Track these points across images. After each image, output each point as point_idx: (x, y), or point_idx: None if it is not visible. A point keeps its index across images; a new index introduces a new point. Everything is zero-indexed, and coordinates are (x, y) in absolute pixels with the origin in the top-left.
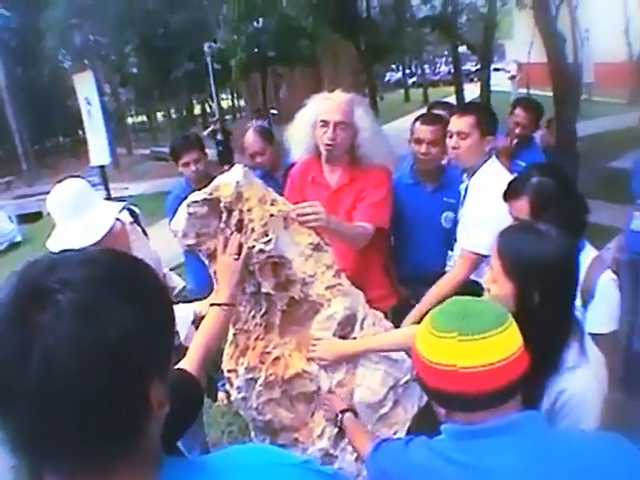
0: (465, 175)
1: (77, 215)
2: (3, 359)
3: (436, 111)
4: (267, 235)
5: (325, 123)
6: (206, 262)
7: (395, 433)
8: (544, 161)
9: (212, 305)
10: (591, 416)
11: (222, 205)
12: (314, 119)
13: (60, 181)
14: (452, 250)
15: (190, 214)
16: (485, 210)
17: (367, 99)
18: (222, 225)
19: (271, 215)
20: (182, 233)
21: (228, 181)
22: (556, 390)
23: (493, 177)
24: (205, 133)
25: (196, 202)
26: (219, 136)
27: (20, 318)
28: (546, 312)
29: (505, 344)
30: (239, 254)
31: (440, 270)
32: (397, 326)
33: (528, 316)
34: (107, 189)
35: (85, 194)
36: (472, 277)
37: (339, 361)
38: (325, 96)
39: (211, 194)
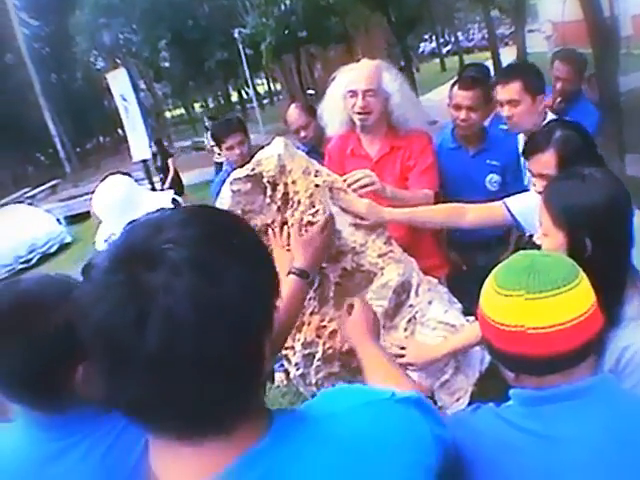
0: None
1: (124, 214)
2: (121, 326)
3: (471, 73)
4: (314, 206)
5: (354, 93)
6: None
7: (458, 400)
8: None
9: (289, 274)
10: None
11: (265, 180)
12: (343, 91)
13: (104, 179)
14: None
15: (234, 192)
16: None
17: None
18: (267, 200)
19: (316, 185)
20: None
21: (270, 155)
22: (619, 346)
23: None
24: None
25: (239, 179)
26: (159, 162)
27: (133, 282)
28: (600, 260)
29: (577, 302)
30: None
31: (488, 234)
32: (453, 294)
33: (582, 266)
34: (151, 183)
35: (130, 191)
36: None
37: (428, 365)
38: (351, 67)
39: (253, 169)
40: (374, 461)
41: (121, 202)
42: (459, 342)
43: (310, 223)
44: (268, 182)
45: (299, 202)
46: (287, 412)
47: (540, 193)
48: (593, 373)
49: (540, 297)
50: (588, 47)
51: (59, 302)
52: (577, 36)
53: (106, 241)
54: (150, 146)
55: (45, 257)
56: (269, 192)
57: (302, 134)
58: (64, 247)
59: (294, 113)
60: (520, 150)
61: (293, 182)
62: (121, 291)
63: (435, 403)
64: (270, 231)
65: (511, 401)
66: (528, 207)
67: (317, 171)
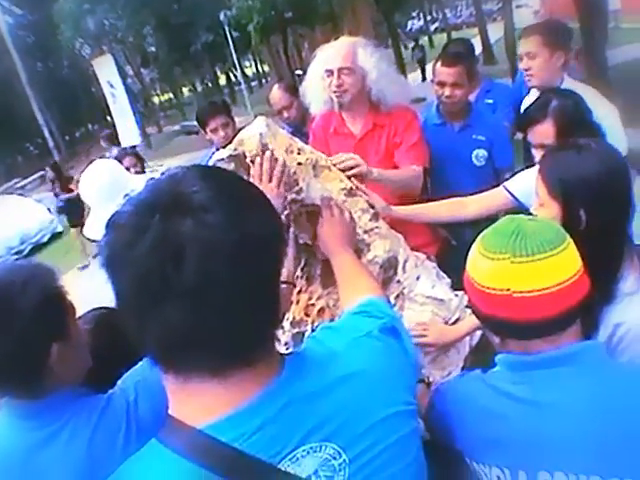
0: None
1: (112, 198)
2: (160, 262)
3: (455, 49)
4: (297, 184)
5: (330, 72)
6: None
7: (448, 374)
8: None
9: None
10: None
11: (248, 159)
12: (321, 70)
13: (90, 163)
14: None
15: None
16: None
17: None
18: (251, 179)
19: (299, 164)
20: None
21: (251, 134)
22: (613, 322)
23: None
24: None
25: (222, 160)
26: (57, 188)
27: (167, 222)
28: (595, 233)
29: (563, 266)
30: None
31: None
32: (443, 270)
33: (576, 239)
34: (142, 169)
35: (117, 175)
36: None
37: (449, 345)
38: (329, 45)
39: (236, 150)
40: (373, 388)
41: (108, 186)
42: (476, 322)
43: (294, 201)
44: (251, 161)
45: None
46: (293, 353)
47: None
48: (579, 340)
49: (526, 260)
50: (576, 21)
51: (27, 285)
52: (565, 10)
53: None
54: (141, 133)
55: (37, 247)
56: (252, 172)
57: (285, 114)
58: (56, 236)
59: (277, 94)
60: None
61: (276, 160)
62: (157, 231)
63: (423, 381)
64: None
65: (497, 367)
66: (529, 186)
67: (300, 149)
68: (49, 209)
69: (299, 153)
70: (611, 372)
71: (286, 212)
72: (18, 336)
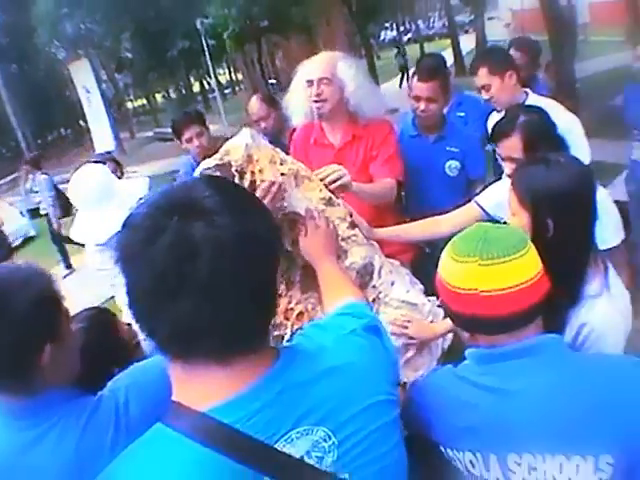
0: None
1: (101, 202)
2: (177, 260)
3: (429, 63)
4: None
5: (310, 82)
6: None
7: (422, 376)
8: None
9: None
10: (614, 350)
11: (234, 169)
12: (303, 82)
13: (78, 168)
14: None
15: None
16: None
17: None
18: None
19: (282, 174)
20: None
21: (237, 144)
22: (577, 323)
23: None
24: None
25: (208, 169)
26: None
27: (183, 224)
28: (562, 240)
29: (525, 268)
30: None
31: None
32: (416, 276)
33: (544, 246)
34: (122, 173)
35: (106, 179)
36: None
37: (427, 341)
38: (310, 59)
39: (222, 159)
40: (359, 379)
41: (97, 191)
42: (450, 324)
43: (277, 209)
44: (236, 171)
45: None
46: (287, 346)
47: (509, 176)
48: (540, 334)
49: (492, 263)
50: (546, 35)
51: (26, 286)
52: (536, 24)
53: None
54: (115, 139)
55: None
56: (237, 180)
57: (262, 125)
58: (28, 240)
59: (255, 104)
60: (489, 127)
61: (260, 171)
62: (170, 233)
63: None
64: None
65: (467, 360)
66: (498, 199)
67: (282, 159)
68: (22, 212)
69: (282, 164)
70: (568, 360)
71: None
72: (13, 334)
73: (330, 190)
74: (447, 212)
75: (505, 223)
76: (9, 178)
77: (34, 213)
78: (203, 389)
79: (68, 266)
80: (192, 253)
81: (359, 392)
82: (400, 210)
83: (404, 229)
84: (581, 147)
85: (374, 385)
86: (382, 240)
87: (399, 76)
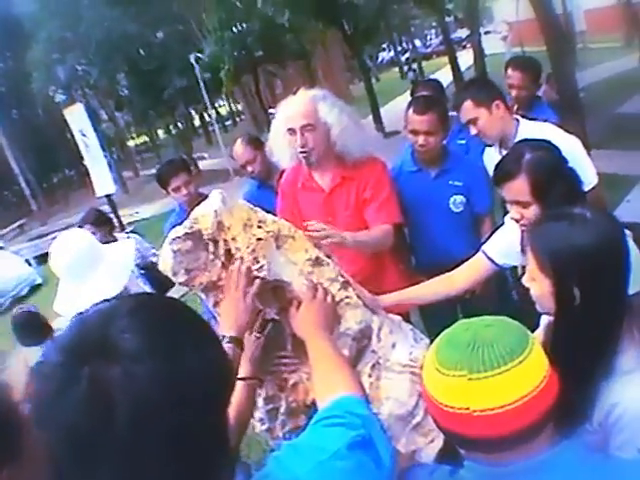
0: (495, 147)
1: (84, 272)
2: (89, 419)
3: (423, 93)
4: (258, 261)
5: (292, 131)
6: (203, 297)
7: (432, 441)
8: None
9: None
10: None
11: (205, 237)
12: (283, 128)
13: (63, 230)
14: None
15: (175, 251)
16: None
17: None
18: (211, 257)
19: (258, 239)
20: (171, 272)
21: (206, 212)
22: (609, 402)
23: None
24: None
25: (178, 238)
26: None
27: (95, 375)
28: (590, 311)
29: (525, 378)
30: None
31: (457, 257)
32: (424, 320)
33: (570, 317)
34: (117, 217)
35: (89, 247)
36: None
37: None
38: (287, 101)
39: (191, 227)
40: None
41: (81, 261)
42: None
43: (257, 278)
44: (208, 239)
45: (242, 258)
46: None
47: (517, 221)
48: (552, 442)
49: (484, 377)
50: (545, 45)
51: None
52: (532, 35)
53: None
54: (116, 180)
55: (16, 300)
56: (211, 249)
57: (249, 169)
58: (35, 288)
59: (240, 148)
60: (486, 164)
61: (233, 239)
62: (83, 385)
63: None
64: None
65: (466, 470)
66: (506, 246)
67: (260, 221)
68: (27, 261)
69: (259, 226)
70: (590, 474)
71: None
72: None
73: (319, 246)
74: (457, 253)
75: (515, 268)
76: (15, 225)
77: (41, 260)
78: None
79: None
80: (107, 413)
81: None
82: (401, 254)
83: (415, 292)
84: (586, 169)
85: None
86: (381, 287)
87: (408, 92)
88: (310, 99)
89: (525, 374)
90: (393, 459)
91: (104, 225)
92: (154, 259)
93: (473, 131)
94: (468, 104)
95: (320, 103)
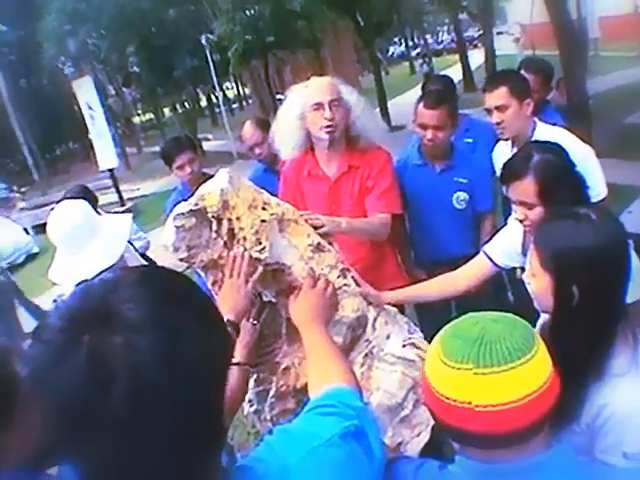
0: (508, 144)
1: (81, 242)
2: (86, 388)
3: (433, 87)
4: (260, 243)
5: (319, 105)
6: (202, 275)
7: (419, 435)
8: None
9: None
10: (635, 438)
11: (210, 215)
12: (301, 110)
13: (59, 201)
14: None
15: (178, 227)
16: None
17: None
18: (214, 235)
19: (262, 221)
20: (173, 248)
21: (212, 190)
22: (597, 403)
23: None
24: None
25: (182, 214)
26: None
27: (95, 343)
28: (587, 311)
29: (530, 377)
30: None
31: (456, 253)
32: (419, 314)
33: (567, 314)
34: (118, 192)
35: (86, 217)
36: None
37: None
38: (304, 85)
39: (197, 204)
40: None
41: (77, 230)
42: None
43: (257, 260)
44: (213, 217)
45: (245, 238)
46: (241, 468)
47: (521, 221)
48: (546, 445)
49: (491, 372)
50: (557, 49)
51: None
52: (545, 38)
53: (55, 301)
54: (119, 155)
55: (12, 268)
56: (215, 227)
57: (257, 151)
58: (31, 257)
59: (249, 130)
60: (494, 164)
61: (237, 218)
62: (83, 353)
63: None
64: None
65: (456, 466)
66: (507, 248)
67: (265, 203)
68: (25, 229)
69: (264, 208)
70: (581, 478)
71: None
72: None
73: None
74: (456, 250)
75: (514, 269)
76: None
77: (39, 229)
78: None
79: None
80: (105, 383)
81: None
82: (402, 247)
83: (418, 291)
84: (597, 179)
85: None
86: (381, 278)
87: (416, 87)
88: (332, 80)
89: (531, 373)
90: (384, 451)
91: (88, 201)
92: (139, 243)
93: (495, 119)
94: (504, 90)
95: (341, 85)
